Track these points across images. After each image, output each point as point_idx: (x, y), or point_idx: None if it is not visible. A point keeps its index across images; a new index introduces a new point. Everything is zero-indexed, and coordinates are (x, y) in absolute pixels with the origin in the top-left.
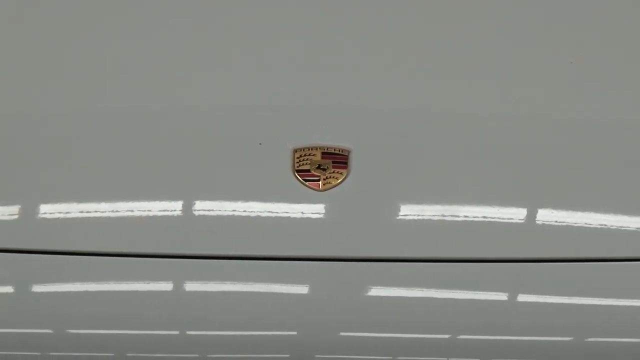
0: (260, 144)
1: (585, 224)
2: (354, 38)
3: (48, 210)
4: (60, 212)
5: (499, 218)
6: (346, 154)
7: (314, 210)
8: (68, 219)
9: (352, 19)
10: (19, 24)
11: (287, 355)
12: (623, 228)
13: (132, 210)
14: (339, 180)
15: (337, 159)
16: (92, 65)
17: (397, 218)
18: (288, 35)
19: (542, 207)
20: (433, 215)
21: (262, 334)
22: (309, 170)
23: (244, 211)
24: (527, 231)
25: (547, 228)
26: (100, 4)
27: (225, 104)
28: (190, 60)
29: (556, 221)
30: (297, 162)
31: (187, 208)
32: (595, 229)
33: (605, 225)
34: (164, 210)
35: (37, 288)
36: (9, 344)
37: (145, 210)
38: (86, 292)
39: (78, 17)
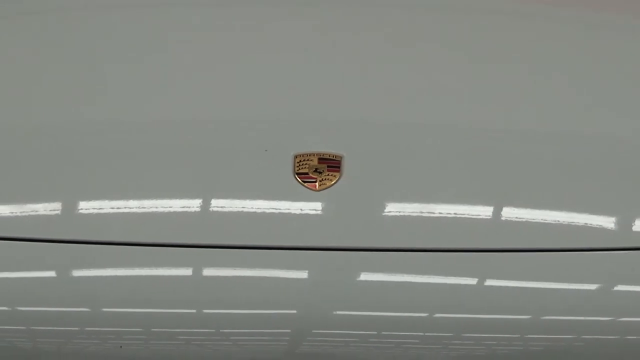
0: (266, 150)
1: (542, 219)
2: (346, 58)
3: (85, 206)
4: (95, 208)
5: (469, 214)
6: (339, 160)
7: (312, 207)
8: (103, 214)
9: (345, 40)
10: (53, 48)
11: (288, 330)
12: (574, 223)
13: (156, 207)
14: (333, 182)
15: (331, 164)
16: (117, 81)
17: (382, 214)
18: (288, 55)
19: (506, 205)
20: (413, 212)
21: (267, 312)
22: (307, 173)
23: (252, 207)
24: (493, 226)
25: (510, 223)
26: (118, 26)
27: (237, 117)
28: (205, 78)
29: (517, 217)
30: (297, 166)
31: (204, 204)
32: (550, 224)
33: (559, 220)
34: (184, 207)
35: (77, 273)
36: (53, 320)
37: (167, 207)
38: (117, 277)
39: (101, 37)
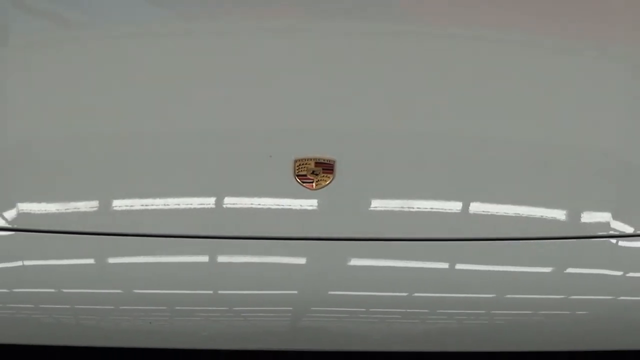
0: (270, 156)
1: (506, 213)
2: (338, 75)
3: (119, 205)
4: (127, 206)
5: (443, 209)
6: (332, 163)
7: (309, 204)
8: (134, 211)
9: (337, 60)
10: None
11: (290, 308)
12: (533, 217)
13: (177, 205)
14: (327, 182)
15: (326, 167)
16: (143, 98)
17: (369, 209)
18: (288, 73)
19: (475, 202)
20: (395, 207)
21: (272, 292)
22: (305, 175)
23: (259, 204)
24: (463, 219)
25: (478, 217)
26: (142, 51)
27: (245, 127)
28: (217, 94)
29: (484, 212)
30: (297, 169)
31: (217, 202)
32: (513, 217)
33: (520, 214)
34: (201, 204)
35: (112, 260)
36: (92, 300)
37: (187, 204)
38: (146, 263)
39: (131, 61)
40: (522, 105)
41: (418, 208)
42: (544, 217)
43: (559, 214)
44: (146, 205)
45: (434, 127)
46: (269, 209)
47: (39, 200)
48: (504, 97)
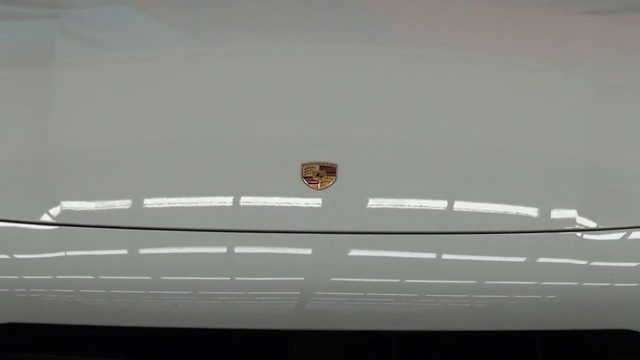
0: (281, 161)
1: (486, 210)
2: (340, 88)
3: (148, 203)
4: (155, 204)
5: (432, 207)
6: (335, 167)
7: (314, 202)
8: (161, 208)
9: (338, 74)
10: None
11: (298, 292)
12: (509, 213)
13: (199, 203)
14: (330, 183)
15: (329, 170)
16: (169, 110)
17: (366, 207)
18: (296, 87)
19: (460, 200)
20: (389, 205)
21: (282, 279)
22: (311, 177)
23: (270, 202)
24: (449, 215)
25: (462, 213)
26: (164, 69)
27: (259, 136)
28: (234, 108)
29: (467, 209)
30: (304, 172)
31: (235, 200)
32: (492, 214)
33: (498, 211)
34: (221, 202)
35: (143, 250)
36: (125, 285)
37: (208, 203)
38: (172, 253)
39: (154, 79)
40: (500, 116)
41: (409, 206)
42: (519, 213)
43: (532, 211)
44: (172, 203)
45: (423, 135)
46: (280, 206)
47: (79, 199)
48: (485, 109)
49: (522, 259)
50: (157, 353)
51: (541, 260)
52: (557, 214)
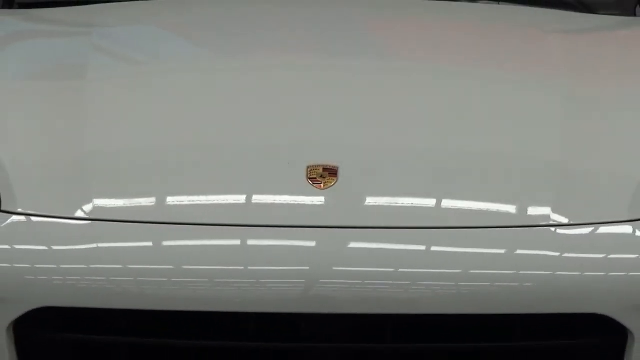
0: (288, 163)
1: (470, 209)
2: (342, 98)
3: (171, 201)
4: (177, 202)
5: (423, 204)
6: (336, 169)
7: (318, 200)
8: (182, 205)
9: (340, 84)
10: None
11: (303, 280)
12: (490, 210)
13: (215, 201)
14: (332, 184)
15: (331, 172)
16: (188, 115)
17: (364, 204)
18: (302, 98)
19: (448, 199)
20: (384, 203)
21: (289, 268)
22: (315, 178)
23: (279, 201)
24: (438, 213)
25: (450, 211)
26: (179, 78)
27: (269, 142)
28: (247, 115)
29: (455, 207)
30: (309, 173)
31: (247, 199)
32: (476, 211)
33: (482, 209)
34: (236, 200)
35: (166, 242)
36: (151, 273)
37: (223, 201)
38: (191, 245)
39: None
40: (483, 123)
41: (402, 204)
42: (500, 210)
43: (511, 208)
44: (192, 201)
45: (414, 141)
46: (287, 203)
47: (110, 197)
48: (470, 118)
49: (502, 251)
50: (178, 333)
51: (519, 251)
52: (533, 210)
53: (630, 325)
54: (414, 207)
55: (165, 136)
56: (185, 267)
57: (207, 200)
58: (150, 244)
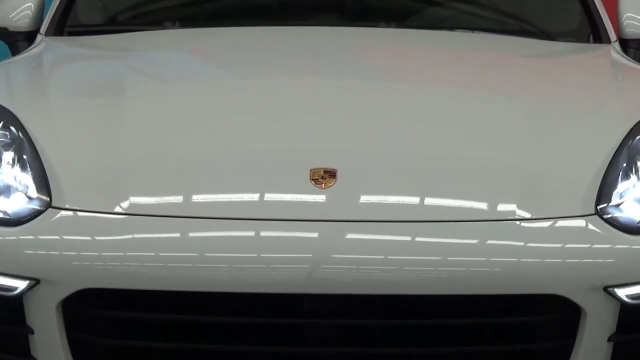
0: (295, 166)
1: (447, 205)
2: (341, 115)
3: (196, 199)
4: (200, 200)
5: (408, 202)
6: (335, 171)
7: (320, 198)
8: (203, 202)
9: (340, 105)
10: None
11: (307, 266)
12: (465, 207)
13: (234, 198)
14: (332, 184)
15: (331, 173)
16: (212, 126)
17: (359, 201)
18: (306, 114)
19: (429, 197)
20: (376, 200)
21: (295, 255)
22: (317, 179)
23: (287, 198)
24: (420, 208)
25: (430, 207)
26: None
27: (280, 149)
28: (258, 126)
29: (435, 204)
30: (312, 175)
31: (260, 197)
32: (452, 207)
33: (457, 205)
34: (249, 198)
35: (192, 234)
36: (178, 260)
37: (239, 199)
38: (211, 236)
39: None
40: (459, 133)
41: (391, 200)
42: (473, 207)
43: (483, 205)
44: (213, 199)
45: (402, 148)
46: (294, 201)
47: (143, 195)
48: (448, 128)
49: (475, 241)
50: (201, 311)
51: (489, 242)
52: (501, 207)
53: (583, 304)
54: (401, 203)
55: (190, 144)
56: (207, 254)
57: (226, 198)
58: (177, 235)
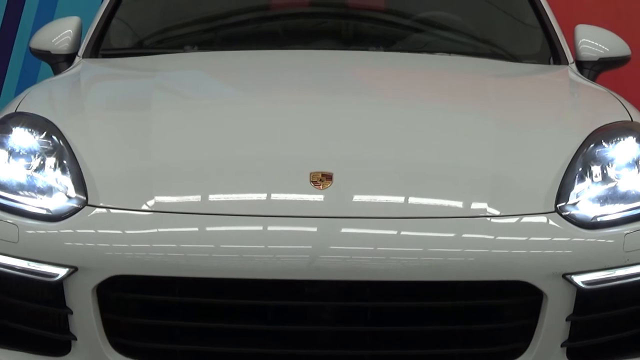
0: (297, 171)
1: (427, 204)
2: (337, 128)
3: (214, 198)
4: (217, 199)
5: (393, 201)
6: (331, 175)
7: (318, 197)
8: (219, 201)
9: (335, 120)
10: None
11: (307, 256)
12: (442, 204)
13: (245, 198)
14: (328, 186)
15: (328, 176)
16: (229, 136)
17: (352, 200)
18: (306, 126)
19: (412, 197)
20: (367, 200)
21: (296, 247)
22: (316, 181)
23: (290, 198)
24: (403, 207)
25: (411, 206)
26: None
27: (284, 155)
28: (271, 137)
29: (417, 203)
30: (312, 178)
31: (267, 197)
32: (430, 205)
33: (435, 204)
34: (258, 197)
35: (209, 228)
36: (197, 250)
37: (250, 198)
38: (227, 230)
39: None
40: (437, 143)
41: (380, 200)
42: (450, 205)
43: (458, 204)
44: (226, 198)
45: (389, 155)
46: (296, 200)
47: (167, 195)
48: (428, 139)
49: (452, 235)
50: (216, 294)
51: (464, 235)
52: (474, 205)
53: (545, 288)
54: (388, 202)
55: (207, 151)
56: (221, 246)
57: (237, 197)
58: (196, 229)
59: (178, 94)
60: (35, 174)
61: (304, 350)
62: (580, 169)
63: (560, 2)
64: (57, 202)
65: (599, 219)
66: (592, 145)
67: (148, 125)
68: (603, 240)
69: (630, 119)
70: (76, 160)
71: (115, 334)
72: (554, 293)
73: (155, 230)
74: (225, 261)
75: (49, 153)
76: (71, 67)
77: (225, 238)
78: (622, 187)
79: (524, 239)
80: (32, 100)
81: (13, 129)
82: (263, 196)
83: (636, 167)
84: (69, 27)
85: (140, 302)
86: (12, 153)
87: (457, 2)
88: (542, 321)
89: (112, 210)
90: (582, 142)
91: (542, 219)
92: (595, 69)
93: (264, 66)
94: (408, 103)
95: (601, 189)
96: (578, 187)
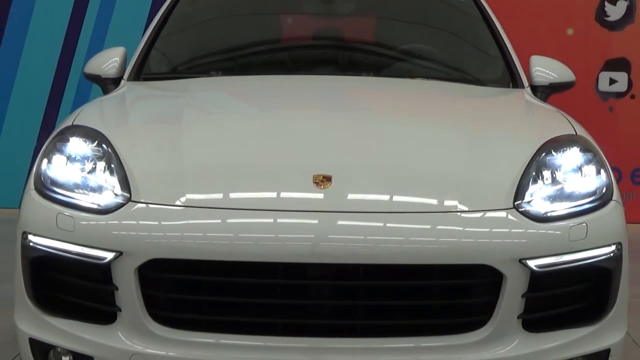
0: (301, 173)
1: (411, 201)
2: (336, 137)
3: (230, 196)
4: (233, 197)
5: (385, 198)
6: (331, 176)
7: (319, 196)
8: (235, 199)
9: (336, 130)
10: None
11: (309, 244)
12: (420, 201)
13: (258, 195)
14: (328, 186)
15: (328, 178)
16: (245, 143)
17: (348, 198)
18: (309, 135)
19: (399, 195)
20: (360, 197)
21: (299, 236)
22: (318, 182)
23: (295, 196)
24: (392, 204)
25: (398, 203)
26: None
27: (290, 160)
28: (279, 143)
29: (403, 200)
30: (314, 179)
31: (277, 194)
32: (413, 202)
33: (415, 201)
34: (268, 195)
35: (229, 220)
36: (219, 238)
37: (262, 195)
38: (244, 222)
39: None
40: (417, 151)
41: (371, 198)
42: (427, 202)
43: (434, 201)
44: (244, 195)
45: (379, 161)
46: (301, 197)
47: (196, 193)
48: (411, 147)
49: (429, 226)
50: (235, 274)
51: (438, 227)
52: (447, 202)
53: (504, 271)
54: (377, 200)
55: (228, 157)
56: (240, 234)
57: (253, 195)
58: (219, 220)
59: (204, 111)
60: (88, 176)
61: (307, 320)
62: (534, 173)
63: (517, 36)
64: (106, 199)
65: (548, 214)
66: (543, 154)
67: (180, 136)
68: (552, 232)
69: (575, 133)
70: (122, 164)
71: (153, 307)
72: (512, 274)
73: (186, 221)
74: (243, 247)
75: (100, 158)
76: (118, 88)
77: (243, 228)
78: (568, 189)
79: (487, 230)
80: (86, 115)
81: (70, 138)
82: (274, 194)
83: (580, 172)
84: (116, 55)
85: (174, 281)
86: (70, 158)
87: (433, 37)
88: (502, 297)
89: (150, 205)
90: (535, 151)
91: (503, 214)
92: (546, 92)
93: (275, 88)
94: (394, 119)
95: (551, 190)
96: (532, 188)
